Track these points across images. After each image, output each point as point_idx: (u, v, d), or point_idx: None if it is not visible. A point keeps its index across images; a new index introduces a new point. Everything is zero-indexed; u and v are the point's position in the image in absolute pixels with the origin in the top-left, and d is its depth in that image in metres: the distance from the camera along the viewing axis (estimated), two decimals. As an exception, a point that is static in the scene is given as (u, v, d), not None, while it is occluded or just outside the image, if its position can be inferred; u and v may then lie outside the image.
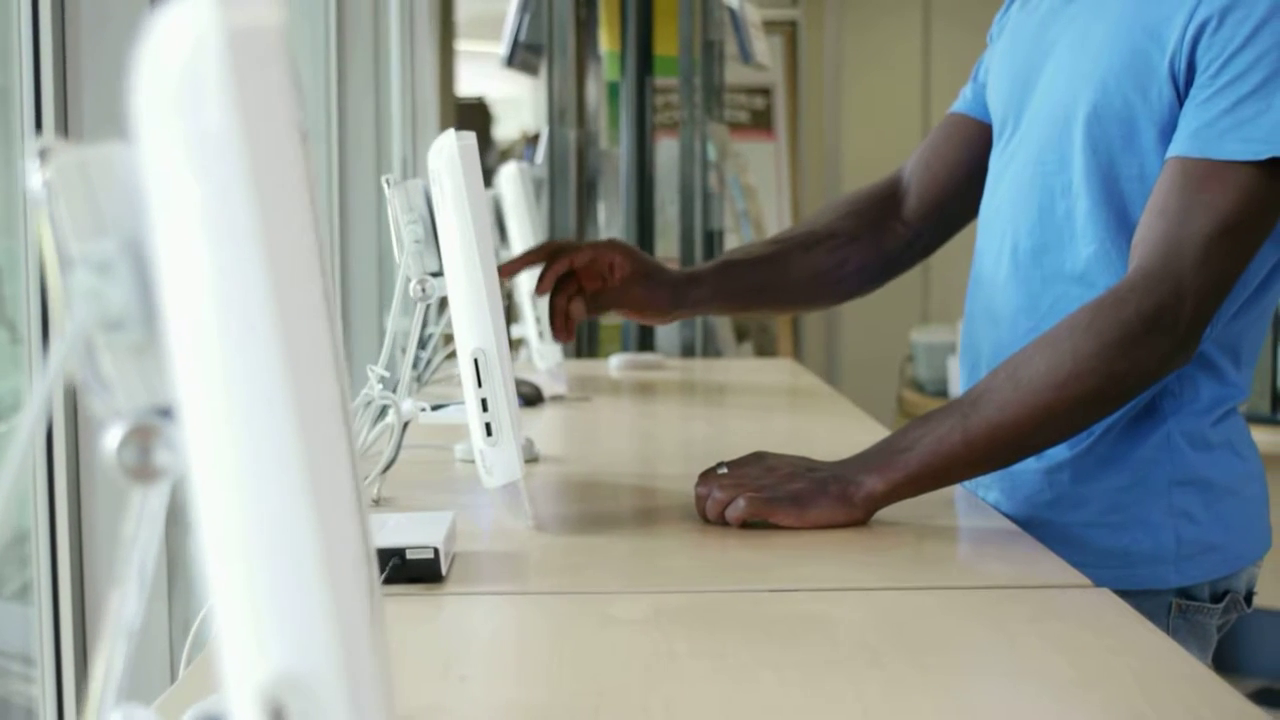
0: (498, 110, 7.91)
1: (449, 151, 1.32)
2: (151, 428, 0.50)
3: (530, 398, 2.28)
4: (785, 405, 2.62)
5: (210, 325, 0.41)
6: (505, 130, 8.14)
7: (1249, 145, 1.35)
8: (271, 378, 0.40)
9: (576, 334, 3.87)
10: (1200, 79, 1.38)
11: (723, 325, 4.09)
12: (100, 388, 0.51)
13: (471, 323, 1.35)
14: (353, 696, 0.42)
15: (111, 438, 0.49)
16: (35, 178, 0.49)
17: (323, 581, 0.41)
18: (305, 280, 0.41)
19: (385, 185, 1.47)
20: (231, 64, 0.40)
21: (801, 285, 1.75)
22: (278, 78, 0.41)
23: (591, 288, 1.67)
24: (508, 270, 1.65)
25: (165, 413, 0.50)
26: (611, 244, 1.68)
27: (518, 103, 8.10)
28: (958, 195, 1.74)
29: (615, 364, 2.91)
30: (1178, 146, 1.39)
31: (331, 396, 0.42)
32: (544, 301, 1.77)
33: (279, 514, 0.40)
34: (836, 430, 2.09)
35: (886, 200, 1.79)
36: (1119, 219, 1.46)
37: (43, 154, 0.50)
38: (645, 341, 3.76)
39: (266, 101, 0.41)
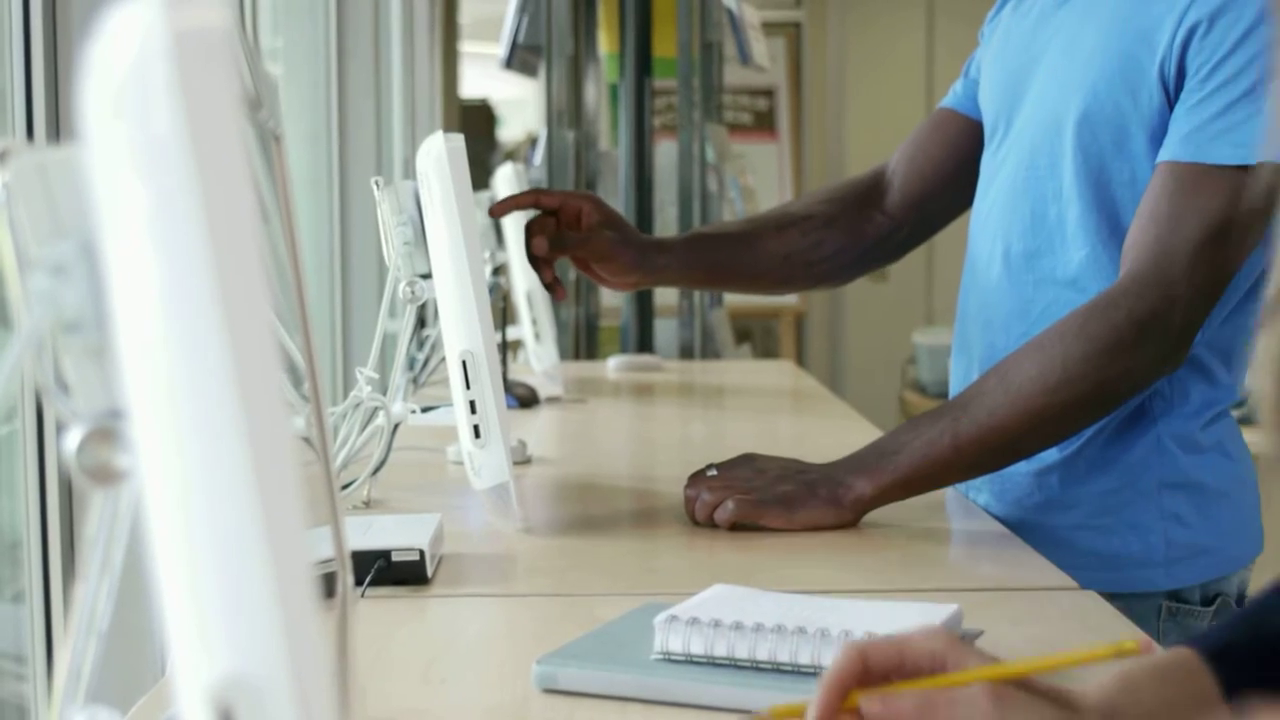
0: (503, 111, 7.92)
1: (437, 153, 1.32)
2: (110, 430, 0.50)
3: (526, 399, 2.28)
4: (783, 408, 2.62)
5: (157, 329, 0.41)
6: (510, 132, 8.14)
7: (1240, 150, 1.35)
8: (217, 383, 0.41)
9: (575, 336, 3.88)
10: (1190, 83, 1.38)
11: (721, 327, 4.09)
12: (60, 390, 0.51)
13: (460, 324, 1.35)
14: (302, 698, 0.42)
15: (70, 440, 0.50)
16: (-7, 181, 0.49)
17: (268, 584, 0.41)
18: (254, 285, 0.41)
19: (375, 187, 1.47)
20: (178, 67, 0.40)
21: (772, 264, 1.72)
22: (226, 80, 0.41)
23: (569, 226, 1.62)
24: (497, 210, 1.61)
25: (124, 415, 0.50)
26: (583, 194, 1.65)
27: (523, 104, 8.10)
28: (941, 190, 1.74)
29: (613, 365, 2.91)
30: (1168, 151, 1.39)
31: (279, 400, 0.42)
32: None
33: (224, 517, 0.41)
34: (833, 433, 2.09)
35: (869, 190, 1.78)
36: (1110, 224, 1.46)
37: (1, 156, 0.50)
38: (644, 343, 3.76)
39: (214, 105, 0.41)
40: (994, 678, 0.77)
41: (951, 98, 1.73)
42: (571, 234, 1.59)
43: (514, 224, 2.45)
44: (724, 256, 1.70)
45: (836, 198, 1.77)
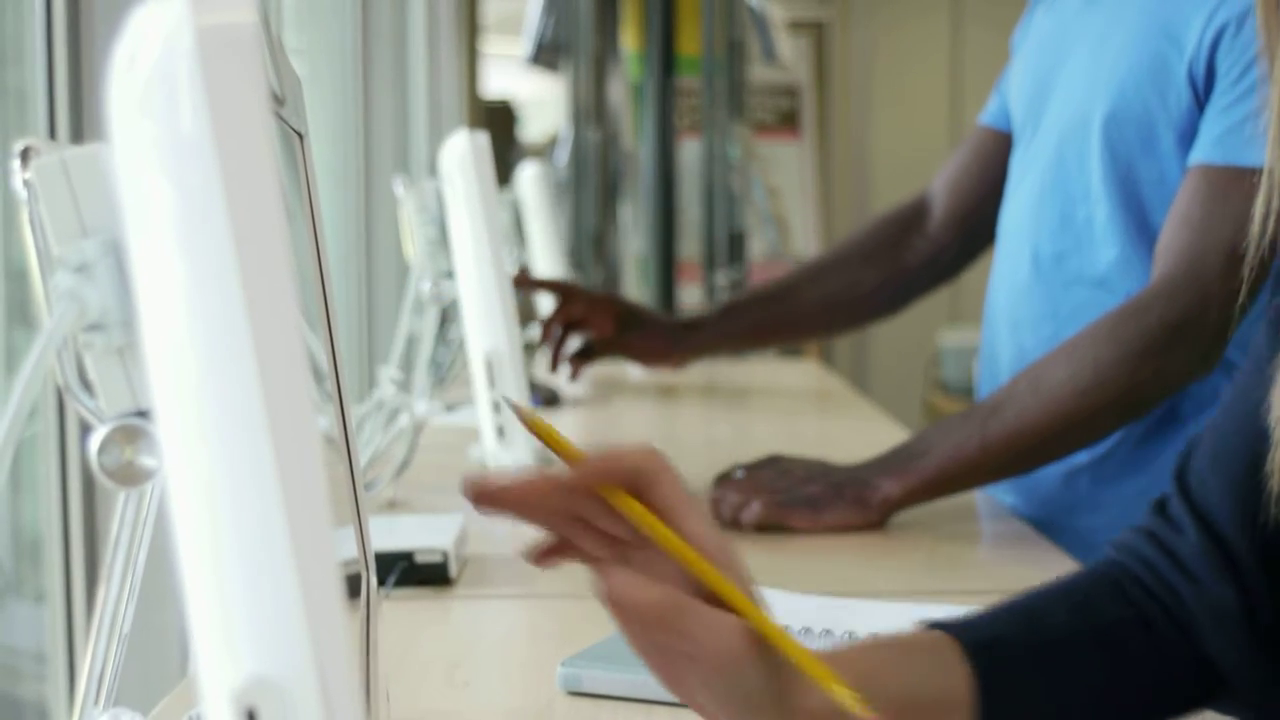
0: (526, 111, 7.91)
1: (460, 152, 1.32)
2: (133, 430, 0.49)
3: (549, 399, 2.27)
4: (808, 408, 2.61)
5: (182, 328, 0.41)
6: (533, 131, 8.13)
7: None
8: (242, 382, 0.40)
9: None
10: (1221, 84, 1.37)
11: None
12: (83, 390, 0.51)
13: (483, 324, 1.35)
14: (326, 700, 0.41)
15: (94, 440, 0.49)
16: (17, 178, 0.49)
17: (293, 584, 0.40)
18: (279, 283, 0.41)
19: (399, 186, 1.47)
20: (203, 65, 0.39)
21: (812, 315, 1.79)
22: (252, 78, 0.40)
23: (598, 335, 1.80)
24: (521, 283, 1.72)
25: (148, 415, 0.49)
26: (603, 300, 1.80)
27: (546, 104, 8.10)
28: (983, 205, 1.73)
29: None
30: (1201, 153, 1.37)
31: (306, 400, 0.41)
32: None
33: (248, 517, 0.40)
34: (859, 434, 2.08)
35: (909, 219, 1.79)
36: (1139, 224, 1.45)
37: (24, 154, 0.49)
38: (668, 343, 3.75)
39: (240, 103, 0.40)
40: (752, 619, 0.68)
41: (987, 114, 1.73)
42: (602, 344, 1.78)
43: (538, 228, 2.45)
44: (761, 317, 1.79)
45: (872, 233, 1.81)
